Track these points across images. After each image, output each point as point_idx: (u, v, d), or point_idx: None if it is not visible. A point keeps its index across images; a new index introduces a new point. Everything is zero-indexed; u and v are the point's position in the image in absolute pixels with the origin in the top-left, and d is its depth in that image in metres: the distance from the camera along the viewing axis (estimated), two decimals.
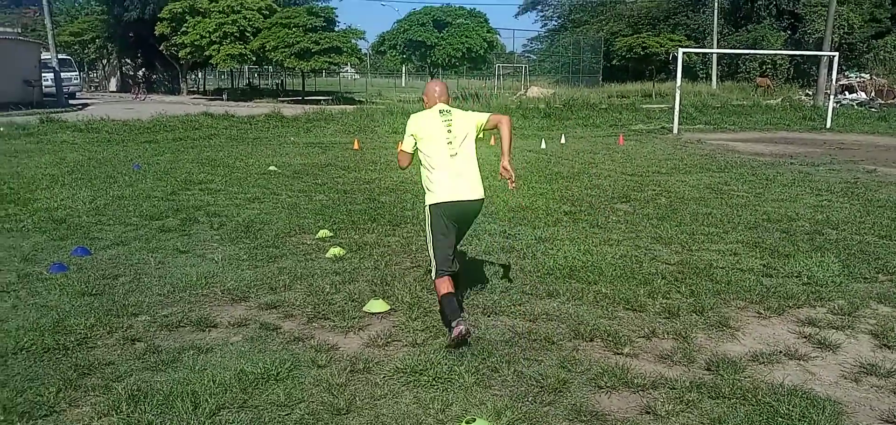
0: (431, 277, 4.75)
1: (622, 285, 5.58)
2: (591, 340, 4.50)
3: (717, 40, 43.64)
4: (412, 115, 4.89)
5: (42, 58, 33.11)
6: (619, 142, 17.20)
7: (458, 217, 4.70)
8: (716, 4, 43.05)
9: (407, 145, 4.83)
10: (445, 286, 4.51)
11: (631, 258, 6.41)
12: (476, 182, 4.69)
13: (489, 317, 4.90)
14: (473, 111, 5.10)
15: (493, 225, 7.77)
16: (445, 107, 4.84)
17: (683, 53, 22.21)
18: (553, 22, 66.05)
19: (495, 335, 4.57)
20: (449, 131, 4.67)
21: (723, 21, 47.34)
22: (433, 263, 4.68)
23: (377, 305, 5.09)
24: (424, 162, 4.71)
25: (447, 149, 4.64)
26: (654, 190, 10.16)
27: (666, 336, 4.61)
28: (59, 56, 34.39)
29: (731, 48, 43.78)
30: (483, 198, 4.80)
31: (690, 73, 43.48)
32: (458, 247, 4.95)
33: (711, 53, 41.79)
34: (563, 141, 17.37)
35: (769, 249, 6.77)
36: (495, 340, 4.47)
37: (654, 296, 5.36)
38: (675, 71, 22.84)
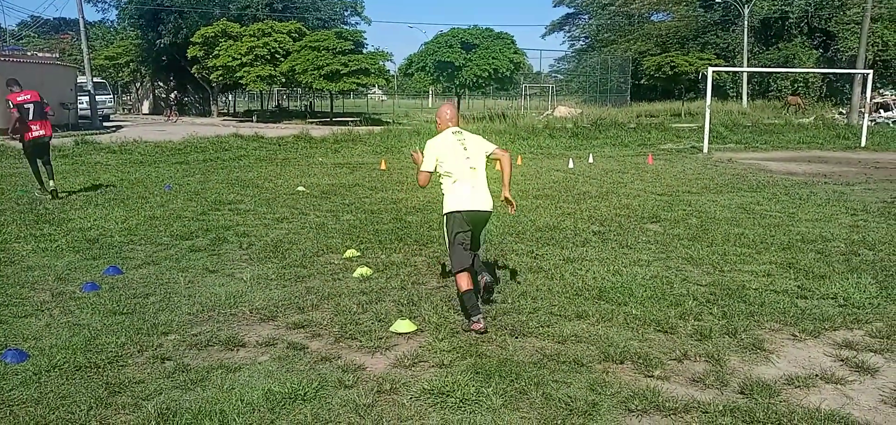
0: (451, 273, 5.41)
1: (653, 306, 5.49)
2: (622, 363, 4.43)
3: (748, 59, 43.17)
4: (429, 142, 5.44)
5: (78, 81, 33.93)
6: (648, 161, 17.04)
7: (473, 223, 5.31)
8: (746, 23, 42.62)
9: (428, 166, 5.34)
10: (465, 283, 5.13)
11: (661, 279, 6.31)
12: (487, 196, 5.35)
13: (517, 338, 4.85)
14: (482, 137, 5.69)
15: (520, 245, 7.73)
16: (457, 128, 5.49)
17: (713, 72, 21.99)
18: (580, 42, 65.93)
19: (523, 356, 4.52)
20: (465, 150, 5.31)
21: (753, 39, 46.84)
22: (451, 263, 5.32)
23: (404, 325, 5.07)
24: (445, 177, 5.31)
25: (466, 164, 5.26)
26: (685, 210, 10.02)
27: (698, 358, 4.52)
28: (94, 79, 35.22)
29: (761, 66, 43.27)
30: (491, 209, 5.42)
31: (720, 92, 43.03)
32: (479, 253, 5.55)
33: (742, 72, 41.34)
34: (591, 160, 17.26)
35: (803, 270, 6.62)
36: (523, 362, 4.42)
37: (686, 317, 5.26)
38: (705, 90, 22.62)
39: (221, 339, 4.86)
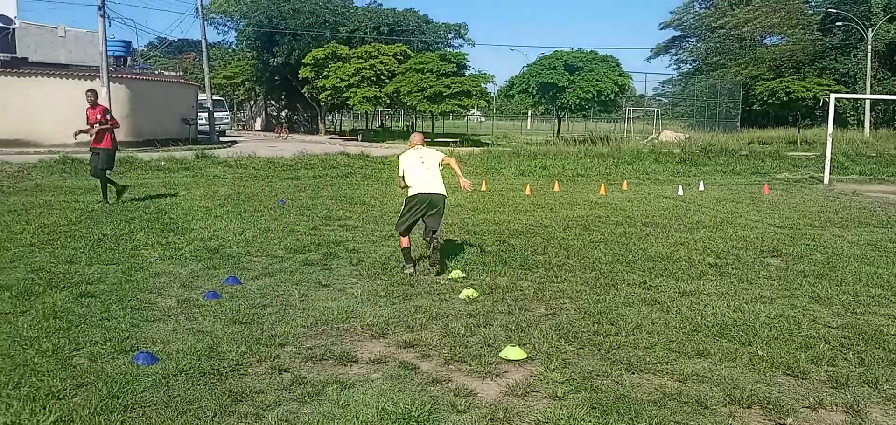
0: (397, 234, 7.89)
1: (780, 348, 5.15)
2: (749, 407, 4.16)
3: (871, 85, 40.46)
4: (400, 156, 7.90)
5: (199, 98, 36.07)
6: (763, 191, 16.20)
7: (426, 203, 7.47)
8: (869, 47, 40.04)
9: (400, 172, 7.77)
10: (404, 243, 7.59)
11: (787, 318, 5.92)
12: (437, 184, 7.56)
13: (634, 374, 4.66)
14: (439, 150, 8.15)
15: (632, 275, 7.48)
16: (420, 147, 7.84)
17: (834, 98, 20.70)
18: (687, 65, 63.99)
19: (642, 394, 4.33)
20: (422, 161, 7.62)
21: (877, 65, 43.93)
22: (398, 227, 7.70)
23: (514, 352, 4.98)
24: (408, 179, 7.62)
25: (421, 168, 7.56)
26: (808, 244, 9.42)
27: (835, 408, 4.19)
28: (213, 97, 37.35)
29: (887, 94, 40.42)
30: (443, 194, 7.60)
31: (840, 120, 40.43)
32: (438, 229, 7.65)
33: (865, 99, 38.78)
34: (701, 188, 16.59)
35: None
36: (642, 399, 4.23)
37: (818, 362, 4.90)
38: (823, 117, 21.30)
39: (335, 354, 4.94)
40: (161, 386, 4.31)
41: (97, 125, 11.78)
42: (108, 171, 12.13)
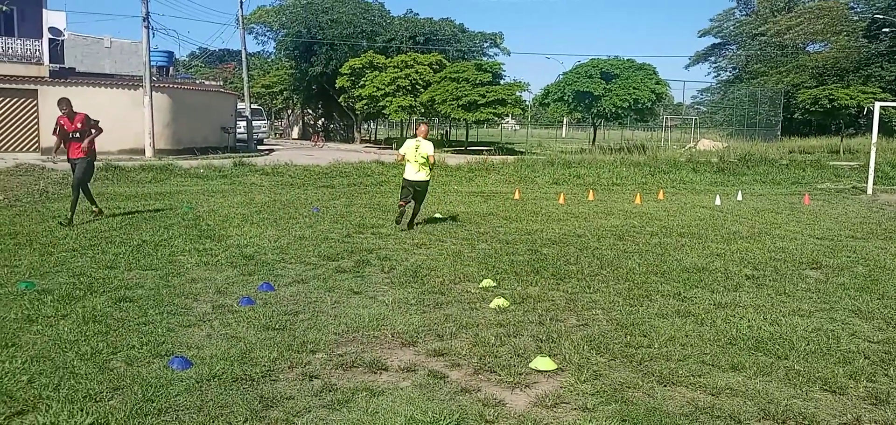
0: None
1: (817, 362, 5.03)
2: (784, 422, 4.07)
3: None
4: (406, 140, 11.16)
5: (238, 107, 36.71)
6: (804, 201, 15.85)
7: (413, 185, 10.76)
8: None
9: (401, 151, 10.96)
10: (402, 204, 10.96)
11: (826, 332, 5.78)
12: (423, 174, 10.75)
13: (666, 386, 4.59)
14: (431, 143, 10.96)
15: (667, 285, 7.38)
16: (420, 138, 10.78)
17: (880, 107, 20.16)
18: (727, 73, 62.97)
19: (673, 407, 4.27)
20: (416, 150, 10.65)
21: None
22: (401, 197, 11.06)
23: (544, 363, 4.96)
24: (405, 161, 10.81)
25: (414, 157, 10.66)
26: (849, 256, 9.18)
27: None
28: (252, 106, 37.97)
29: None
30: (426, 179, 10.91)
31: (886, 129, 39.35)
32: (419, 204, 11.17)
33: None
34: (739, 197, 16.31)
35: None
36: (673, 412, 4.17)
37: (857, 377, 4.77)
38: (868, 126, 20.76)
39: (365, 361, 4.98)
40: (194, 391, 4.39)
41: (75, 134, 10.64)
42: (87, 183, 11.04)
